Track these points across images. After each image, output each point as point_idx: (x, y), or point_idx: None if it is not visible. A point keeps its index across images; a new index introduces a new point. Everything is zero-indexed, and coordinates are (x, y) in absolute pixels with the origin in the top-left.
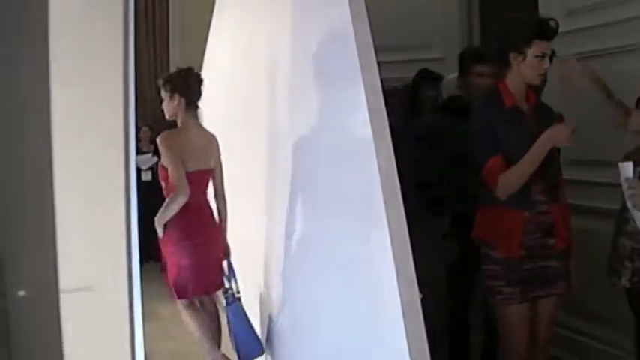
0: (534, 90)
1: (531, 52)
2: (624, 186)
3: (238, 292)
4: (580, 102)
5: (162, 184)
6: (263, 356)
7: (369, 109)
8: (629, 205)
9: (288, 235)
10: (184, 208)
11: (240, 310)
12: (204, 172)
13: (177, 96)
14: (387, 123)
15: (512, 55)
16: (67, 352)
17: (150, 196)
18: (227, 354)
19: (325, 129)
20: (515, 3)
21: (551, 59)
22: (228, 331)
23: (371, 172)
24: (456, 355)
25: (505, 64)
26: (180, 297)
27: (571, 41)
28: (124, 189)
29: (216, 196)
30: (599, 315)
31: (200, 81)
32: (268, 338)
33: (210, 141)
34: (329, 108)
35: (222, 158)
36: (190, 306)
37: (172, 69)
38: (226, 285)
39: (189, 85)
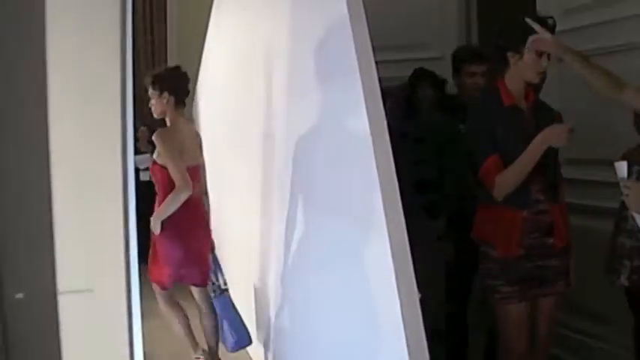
0: (533, 89)
1: (528, 50)
2: (621, 185)
3: (225, 285)
4: (579, 100)
5: (157, 181)
6: (263, 356)
7: (368, 109)
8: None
9: (286, 235)
10: (183, 204)
11: (229, 301)
12: (196, 168)
13: (166, 94)
14: (385, 122)
15: (509, 54)
16: (64, 355)
17: (148, 196)
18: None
19: (323, 128)
20: (513, 2)
21: (549, 57)
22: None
23: (369, 172)
24: (454, 355)
25: (504, 63)
26: (167, 287)
27: (568, 40)
28: (122, 189)
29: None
30: (598, 313)
31: (187, 79)
32: (266, 337)
33: (197, 137)
34: (327, 107)
35: (221, 157)
36: (170, 300)
37: None
38: (212, 278)
39: (178, 84)
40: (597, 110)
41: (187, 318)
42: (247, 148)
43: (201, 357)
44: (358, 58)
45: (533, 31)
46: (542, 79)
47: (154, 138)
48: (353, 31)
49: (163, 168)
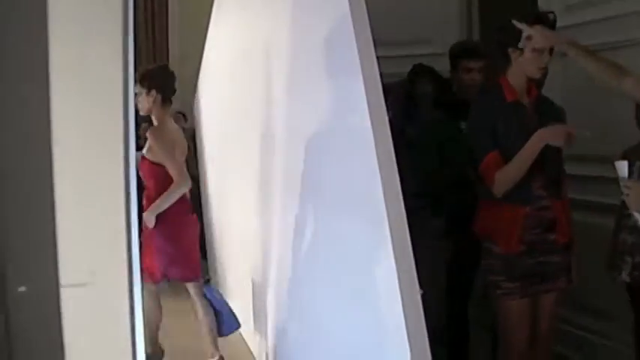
0: (536, 84)
1: (529, 45)
2: (621, 185)
3: (207, 275)
4: (582, 96)
5: (146, 177)
6: (263, 355)
7: (369, 105)
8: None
9: (287, 233)
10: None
11: (215, 290)
12: (185, 163)
13: (154, 92)
14: (386, 119)
15: (510, 50)
16: (67, 348)
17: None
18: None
19: (324, 125)
20: None
21: (551, 53)
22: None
23: (371, 170)
24: (455, 352)
25: (505, 60)
26: (157, 281)
27: (570, 36)
28: (123, 184)
29: None
30: (599, 310)
31: (174, 78)
32: (266, 331)
33: (182, 134)
34: (328, 104)
35: (222, 155)
36: (156, 295)
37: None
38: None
39: (165, 82)
40: (600, 106)
41: (160, 321)
42: (248, 147)
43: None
44: (360, 56)
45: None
46: (544, 75)
47: (147, 135)
48: (355, 28)
49: (154, 164)
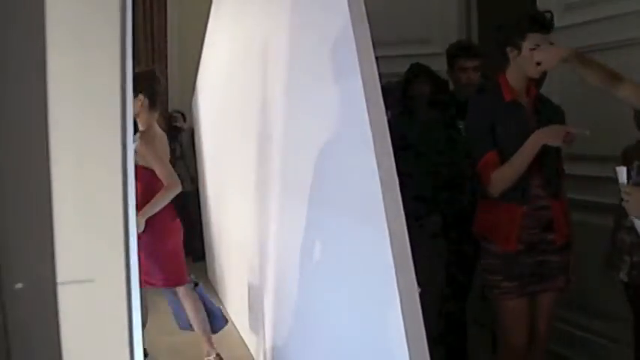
0: (535, 84)
1: (526, 45)
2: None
3: (193, 277)
4: (580, 96)
5: (136, 182)
6: (261, 355)
7: (368, 105)
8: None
9: (286, 232)
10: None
11: (203, 291)
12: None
13: (141, 96)
14: (385, 118)
15: (508, 49)
16: (64, 344)
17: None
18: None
19: (322, 125)
20: None
21: None
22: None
23: (370, 170)
24: (455, 352)
25: (504, 59)
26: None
27: (569, 36)
28: (121, 181)
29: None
30: (597, 309)
31: (160, 82)
32: (263, 329)
33: (166, 139)
34: (327, 104)
35: (221, 155)
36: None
37: (170, 64)
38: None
39: (153, 87)
40: (598, 106)
41: (146, 322)
42: (246, 147)
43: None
44: (359, 56)
45: (528, 25)
46: (543, 75)
47: (137, 139)
48: (353, 26)
49: (142, 168)
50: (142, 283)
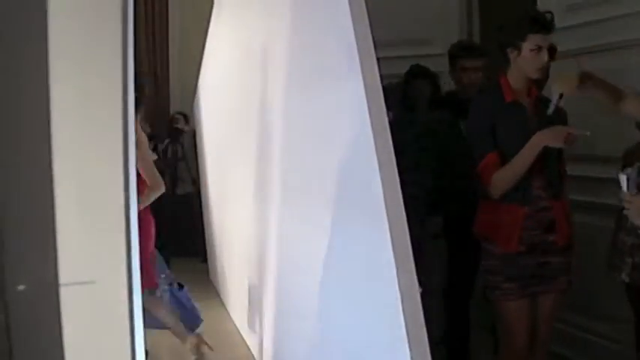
0: (536, 85)
1: (526, 45)
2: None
3: (164, 278)
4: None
5: None
6: (263, 355)
7: (369, 106)
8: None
9: (287, 230)
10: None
11: (175, 291)
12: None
13: None
14: (386, 119)
15: (509, 50)
16: (67, 345)
17: None
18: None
19: (324, 126)
20: None
21: (553, 54)
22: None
23: (371, 168)
24: (456, 354)
25: (505, 60)
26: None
27: (570, 36)
28: (123, 184)
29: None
30: (599, 310)
31: (144, 90)
32: (267, 334)
33: (147, 139)
34: (328, 105)
35: (222, 155)
36: None
37: (172, 66)
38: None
39: (139, 89)
40: (600, 107)
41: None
42: (248, 148)
43: None
44: (360, 57)
45: (528, 26)
46: (545, 76)
47: None
48: (354, 27)
49: None
50: None
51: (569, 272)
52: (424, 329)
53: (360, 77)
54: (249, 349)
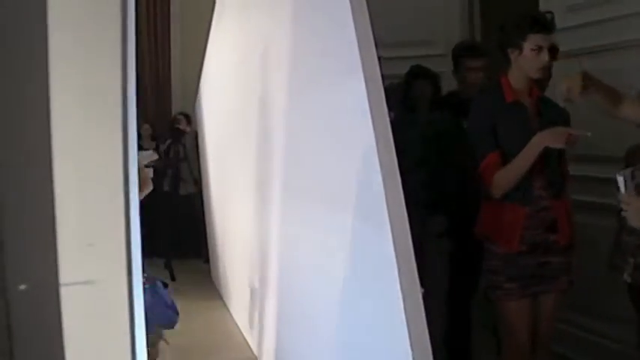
0: (538, 85)
1: (527, 45)
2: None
3: (144, 275)
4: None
5: None
6: (265, 355)
7: (371, 106)
8: None
9: (286, 233)
10: None
11: (160, 288)
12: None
13: None
14: (388, 120)
15: (509, 50)
16: (67, 345)
17: (152, 193)
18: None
19: (325, 127)
20: None
21: (555, 55)
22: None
23: (373, 169)
24: (458, 355)
25: (506, 60)
26: None
27: (571, 37)
28: (123, 183)
29: None
30: (601, 310)
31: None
32: (268, 334)
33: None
34: (329, 105)
35: (224, 156)
36: None
37: (174, 66)
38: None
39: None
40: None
41: None
42: (249, 148)
43: None
44: (362, 58)
45: (528, 26)
46: (549, 76)
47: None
48: (356, 27)
49: None
50: None
51: (571, 272)
52: (426, 330)
53: (362, 77)
54: (250, 350)
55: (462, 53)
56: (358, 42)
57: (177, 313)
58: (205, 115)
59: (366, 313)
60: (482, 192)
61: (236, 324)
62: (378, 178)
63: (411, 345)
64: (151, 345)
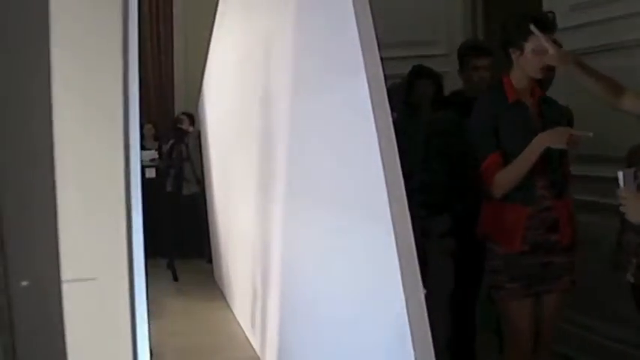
0: (540, 85)
1: (528, 45)
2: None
3: None
4: (585, 96)
5: None
6: (267, 355)
7: (373, 106)
8: None
9: (288, 233)
10: None
11: None
12: None
13: None
14: (390, 119)
15: (511, 50)
16: (69, 342)
17: (154, 193)
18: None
19: (327, 126)
20: None
21: None
22: None
23: (375, 169)
24: (462, 355)
25: (508, 59)
26: None
27: (574, 36)
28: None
29: None
30: (604, 310)
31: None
32: (271, 334)
33: None
34: (332, 105)
35: (227, 155)
36: None
37: (176, 66)
38: None
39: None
40: (605, 107)
41: None
42: (252, 148)
43: None
44: (364, 57)
45: (530, 26)
46: (551, 76)
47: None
48: (358, 27)
49: None
50: None
51: (573, 272)
52: (428, 330)
53: (364, 77)
54: (253, 350)
55: (467, 52)
56: (361, 42)
57: None
58: (208, 114)
59: (368, 314)
60: (483, 192)
61: (239, 324)
62: (380, 178)
63: (414, 346)
64: None
